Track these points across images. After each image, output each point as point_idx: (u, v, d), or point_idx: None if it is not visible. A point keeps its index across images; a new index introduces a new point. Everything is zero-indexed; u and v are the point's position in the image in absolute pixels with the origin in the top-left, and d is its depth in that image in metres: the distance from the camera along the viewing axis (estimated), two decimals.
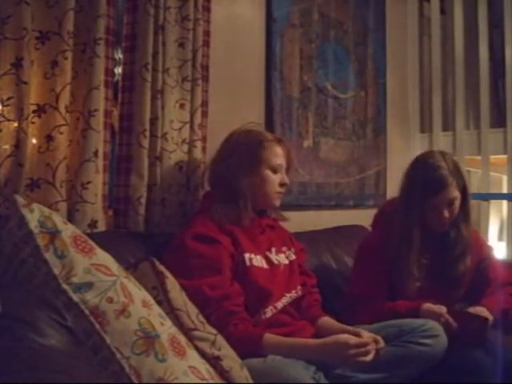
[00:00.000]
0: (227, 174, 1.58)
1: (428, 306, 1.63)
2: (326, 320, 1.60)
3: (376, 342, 1.37)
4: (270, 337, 1.38)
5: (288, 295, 1.58)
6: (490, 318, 1.60)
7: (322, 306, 1.71)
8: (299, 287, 1.64)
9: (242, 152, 1.59)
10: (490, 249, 1.89)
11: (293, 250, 1.70)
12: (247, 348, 1.33)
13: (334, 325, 1.58)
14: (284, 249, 1.67)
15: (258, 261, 1.54)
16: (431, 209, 1.69)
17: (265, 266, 1.55)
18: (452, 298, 1.74)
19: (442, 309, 1.60)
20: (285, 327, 1.51)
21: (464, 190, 1.72)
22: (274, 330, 1.44)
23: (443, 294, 1.68)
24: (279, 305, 1.54)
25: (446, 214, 1.68)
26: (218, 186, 1.63)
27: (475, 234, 1.86)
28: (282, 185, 1.63)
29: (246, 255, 1.52)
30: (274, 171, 1.61)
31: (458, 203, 1.70)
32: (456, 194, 1.69)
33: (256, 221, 1.62)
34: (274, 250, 1.62)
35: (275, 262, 1.59)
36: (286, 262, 1.63)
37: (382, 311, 1.67)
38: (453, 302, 1.74)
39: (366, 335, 1.38)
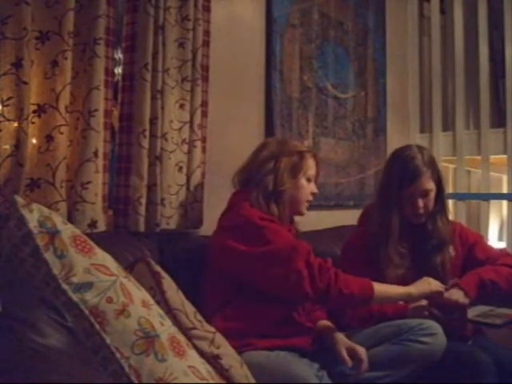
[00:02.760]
0: (269, 178, 1.62)
1: (413, 306, 1.65)
2: (324, 323, 1.63)
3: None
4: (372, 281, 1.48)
5: None
6: (466, 300, 1.64)
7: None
8: None
9: (285, 160, 1.64)
10: (477, 236, 1.91)
11: None
12: (364, 290, 1.44)
13: (328, 328, 1.60)
14: None
15: None
16: (406, 199, 1.73)
17: None
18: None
19: (423, 301, 1.63)
20: None
21: (439, 184, 1.76)
22: None
23: None
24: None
25: (421, 203, 1.72)
26: (257, 186, 1.64)
27: (458, 226, 1.89)
28: (312, 194, 1.71)
29: None
30: (309, 181, 1.68)
31: (432, 195, 1.74)
32: (430, 185, 1.73)
33: (285, 227, 1.64)
34: None
35: None
36: None
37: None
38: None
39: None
